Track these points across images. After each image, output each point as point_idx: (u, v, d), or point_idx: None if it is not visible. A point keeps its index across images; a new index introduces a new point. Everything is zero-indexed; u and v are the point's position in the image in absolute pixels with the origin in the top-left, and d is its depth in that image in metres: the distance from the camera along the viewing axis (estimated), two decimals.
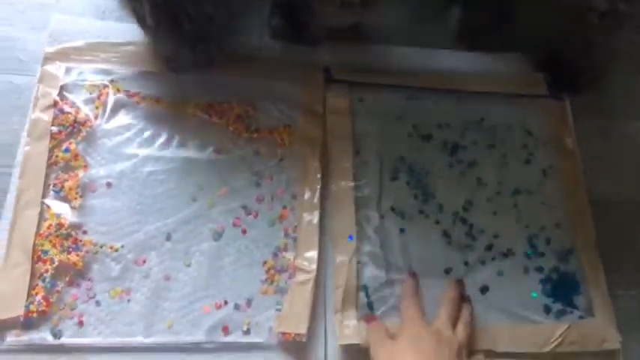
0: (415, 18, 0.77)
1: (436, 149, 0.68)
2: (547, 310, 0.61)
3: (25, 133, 0.59)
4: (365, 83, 0.69)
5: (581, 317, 0.61)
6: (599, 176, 0.70)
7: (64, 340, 0.52)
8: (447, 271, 0.62)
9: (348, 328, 0.56)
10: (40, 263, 0.54)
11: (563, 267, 0.64)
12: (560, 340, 0.59)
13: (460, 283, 0.60)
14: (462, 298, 0.59)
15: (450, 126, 0.70)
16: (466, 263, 0.62)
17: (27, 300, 0.52)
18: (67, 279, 0.54)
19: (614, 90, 0.77)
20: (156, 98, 0.63)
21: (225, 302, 0.56)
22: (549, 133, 0.71)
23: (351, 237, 0.60)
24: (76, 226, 0.56)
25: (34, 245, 0.54)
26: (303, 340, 0.54)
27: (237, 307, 0.56)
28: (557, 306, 0.62)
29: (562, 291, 0.63)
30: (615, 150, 0.73)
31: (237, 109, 0.64)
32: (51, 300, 0.53)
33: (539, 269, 0.63)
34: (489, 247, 0.64)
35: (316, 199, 0.61)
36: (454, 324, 0.55)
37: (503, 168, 0.68)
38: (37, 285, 0.53)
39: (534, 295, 0.62)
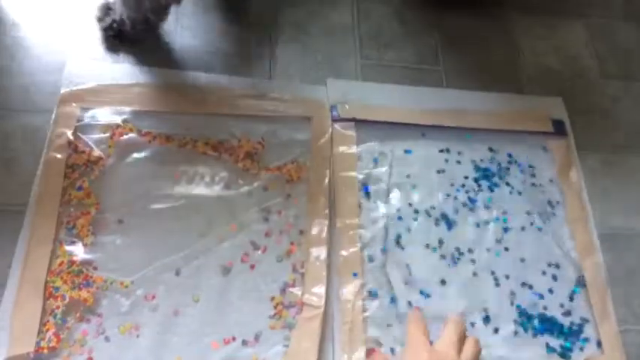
0: (415, 57, 0.79)
1: (445, 185, 0.69)
2: (555, 347, 0.61)
3: (39, 172, 0.60)
4: (372, 121, 0.70)
5: (589, 353, 0.61)
6: (607, 210, 0.71)
7: None
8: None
9: None
10: (51, 300, 0.54)
11: (570, 304, 0.64)
12: None
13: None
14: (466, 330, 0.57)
15: (458, 163, 0.71)
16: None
17: (38, 336, 0.52)
18: (78, 315, 0.55)
19: (619, 124, 0.78)
20: (166, 137, 0.65)
21: (234, 338, 0.56)
22: (554, 168, 0.72)
23: (355, 274, 0.61)
24: (87, 263, 0.57)
25: (46, 282, 0.55)
26: None
27: (245, 342, 0.56)
28: (565, 343, 0.61)
29: (569, 329, 0.62)
30: (623, 183, 0.74)
31: (246, 146, 0.66)
32: (61, 336, 0.53)
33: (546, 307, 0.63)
34: (497, 284, 0.63)
35: (324, 235, 0.62)
36: (460, 347, 0.53)
37: (510, 205, 0.69)
38: (47, 321, 0.53)
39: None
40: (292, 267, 0.61)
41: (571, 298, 0.64)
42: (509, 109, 0.76)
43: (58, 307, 0.54)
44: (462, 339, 0.53)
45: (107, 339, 0.54)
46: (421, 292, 0.62)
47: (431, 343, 0.52)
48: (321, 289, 0.59)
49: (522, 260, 0.65)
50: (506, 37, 0.83)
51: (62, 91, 0.65)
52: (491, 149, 0.72)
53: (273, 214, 0.63)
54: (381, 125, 0.70)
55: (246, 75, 0.72)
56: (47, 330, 0.53)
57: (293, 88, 0.72)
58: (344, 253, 0.62)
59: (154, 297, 0.57)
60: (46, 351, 0.52)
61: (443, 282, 0.63)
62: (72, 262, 0.56)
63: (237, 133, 0.67)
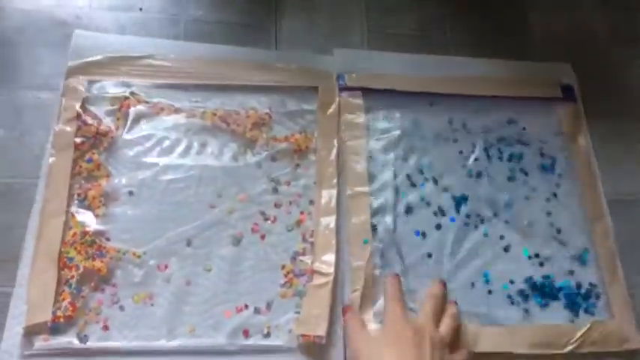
0: (424, 26, 0.78)
1: (453, 155, 0.69)
2: (567, 310, 0.62)
3: (49, 145, 0.61)
4: (379, 90, 0.70)
5: (599, 317, 0.62)
6: (616, 176, 0.71)
7: (90, 344, 0.53)
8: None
9: None
10: (65, 270, 0.55)
11: (579, 269, 0.64)
12: (581, 340, 0.59)
13: (442, 282, 0.59)
14: (446, 298, 0.59)
15: (467, 131, 0.70)
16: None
17: (54, 306, 0.53)
18: (92, 285, 0.55)
19: (629, 90, 0.78)
20: (175, 108, 0.65)
21: (246, 306, 0.57)
22: (563, 135, 0.72)
23: (366, 240, 0.61)
24: (99, 234, 0.57)
25: (60, 253, 0.55)
26: (323, 341, 0.55)
27: (257, 310, 0.57)
28: (574, 307, 0.62)
29: (578, 294, 0.63)
30: (632, 150, 0.73)
31: (253, 117, 0.66)
32: (77, 305, 0.54)
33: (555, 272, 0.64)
34: (507, 249, 0.64)
35: (333, 204, 0.62)
36: (438, 319, 0.55)
37: (519, 171, 0.69)
38: (63, 291, 0.54)
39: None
40: (302, 236, 0.61)
41: (580, 264, 0.64)
42: (517, 75, 0.75)
43: (72, 277, 0.55)
44: (439, 312, 0.55)
45: (122, 308, 0.55)
46: (429, 256, 0.62)
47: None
48: (330, 257, 0.59)
49: (530, 225, 0.65)
50: (515, 1, 0.82)
51: (69, 64, 0.65)
52: (500, 117, 0.72)
53: (282, 184, 0.64)
54: (388, 94, 0.70)
55: (251, 46, 0.71)
56: (63, 299, 0.54)
57: (299, 58, 0.71)
58: (354, 220, 0.62)
59: (166, 267, 0.57)
60: (62, 320, 0.53)
61: (452, 247, 0.63)
62: (85, 233, 0.57)
63: (244, 105, 0.67)
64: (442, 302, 0.57)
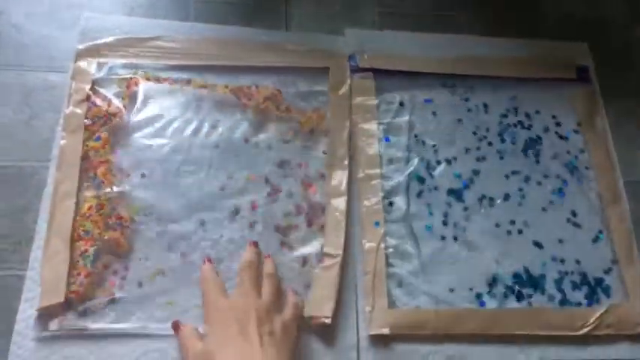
0: (436, 5, 0.77)
1: (467, 136, 0.68)
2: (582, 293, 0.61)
3: (59, 128, 0.60)
4: (391, 71, 0.69)
5: (615, 300, 0.61)
6: (632, 158, 0.70)
7: (104, 325, 0.53)
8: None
9: (378, 317, 0.56)
10: (81, 242, 0.55)
11: (594, 251, 0.63)
12: (596, 323, 0.58)
13: (254, 244, 0.58)
14: (261, 257, 0.57)
15: (482, 113, 0.70)
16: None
17: (68, 281, 0.53)
18: (108, 264, 0.55)
19: None
20: (186, 81, 0.65)
21: None
22: (579, 116, 0.71)
23: (377, 222, 0.60)
24: (114, 208, 0.57)
25: (74, 230, 0.55)
26: (328, 322, 0.55)
27: None
28: (590, 290, 0.61)
29: (594, 276, 0.62)
30: None
31: (265, 91, 0.65)
32: (93, 278, 0.54)
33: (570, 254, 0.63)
34: (520, 232, 0.63)
35: (344, 186, 0.62)
36: (257, 287, 0.53)
37: (533, 153, 0.68)
38: (78, 264, 0.54)
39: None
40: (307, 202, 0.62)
41: (595, 247, 0.63)
42: (532, 55, 0.74)
43: (86, 251, 0.55)
44: (256, 277, 0.54)
45: (137, 288, 0.55)
46: (442, 238, 0.62)
47: None
48: (340, 239, 0.59)
49: (545, 209, 0.65)
50: None
51: (78, 46, 0.65)
52: (514, 98, 0.71)
53: (294, 165, 0.63)
54: (400, 75, 0.69)
55: (262, 26, 0.71)
56: (78, 274, 0.54)
57: (310, 38, 0.71)
58: (366, 203, 0.62)
59: (179, 248, 0.57)
60: (78, 294, 0.53)
61: (465, 230, 0.62)
62: (101, 206, 0.57)
63: (255, 84, 0.66)
64: (256, 267, 0.55)
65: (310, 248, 0.59)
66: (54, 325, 0.52)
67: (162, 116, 0.63)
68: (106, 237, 0.56)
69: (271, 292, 0.53)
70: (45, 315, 0.52)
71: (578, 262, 0.62)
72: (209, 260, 0.57)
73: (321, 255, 0.59)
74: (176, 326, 0.53)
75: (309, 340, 0.55)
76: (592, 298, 0.61)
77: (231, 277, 0.56)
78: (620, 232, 0.64)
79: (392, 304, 0.57)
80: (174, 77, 0.65)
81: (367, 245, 0.59)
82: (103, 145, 0.60)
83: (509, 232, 0.63)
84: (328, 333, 0.55)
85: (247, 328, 0.49)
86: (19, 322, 0.52)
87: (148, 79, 0.64)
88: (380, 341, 0.56)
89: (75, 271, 0.54)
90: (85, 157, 0.59)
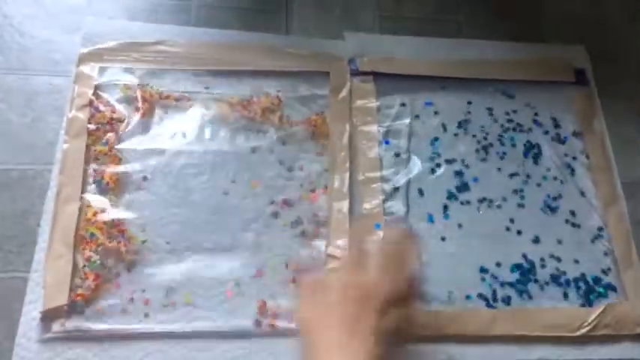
0: (436, 9, 0.77)
1: (467, 139, 0.68)
2: (580, 293, 0.61)
3: (62, 132, 0.61)
4: (391, 74, 0.70)
5: (613, 300, 0.61)
6: (630, 159, 0.70)
7: (107, 327, 0.53)
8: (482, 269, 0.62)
9: None
10: (87, 249, 0.56)
11: (592, 252, 0.64)
12: (594, 323, 0.59)
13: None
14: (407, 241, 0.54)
15: (481, 115, 0.70)
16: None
17: (75, 285, 0.54)
18: (111, 267, 0.56)
19: None
20: (187, 97, 0.65)
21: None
22: (578, 118, 0.71)
23: (378, 225, 0.61)
24: (116, 219, 0.58)
25: (77, 235, 0.56)
26: None
27: (272, 294, 0.57)
28: (587, 291, 0.62)
29: (591, 277, 0.63)
30: None
31: (264, 102, 0.66)
32: (100, 281, 0.55)
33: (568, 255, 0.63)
34: (519, 233, 0.64)
35: (345, 188, 0.62)
36: (391, 270, 0.48)
37: (532, 155, 0.68)
38: (84, 269, 0.55)
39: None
40: (313, 214, 0.62)
41: (594, 247, 0.64)
42: (531, 58, 0.74)
43: (90, 258, 0.55)
44: (392, 262, 0.49)
45: (140, 291, 0.55)
46: (442, 239, 0.62)
47: None
48: (344, 242, 0.59)
49: (544, 211, 0.65)
50: None
51: (81, 50, 0.65)
52: (513, 101, 0.72)
53: (295, 169, 0.63)
54: (400, 78, 0.70)
55: (262, 31, 0.71)
56: (86, 278, 0.54)
57: (310, 42, 0.71)
58: (367, 205, 0.62)
59: (181, 252, 0.58)
60: (84, 297, 0.53)
61: (465, 231, 0.63)
62: (104, 216, 0.57)
63: (255, 90, 0.67)
64: (397, 251, 0.50)
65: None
66: (57, 327, 0.52)
67: (166, 122, 0.64)
68: (109, 245, 0.56)
69: (400, 280, 0.48)
70: (48, 317, 0.53)
71: (576, 262, 0.63)
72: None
73: (326, 256, 0.59)
74: (297, 277, 0.54)
75: None
76: (590, 299, 0.61)
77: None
78: (619, 232, 0.65)
79: None
80: (175, 95, 0.65)
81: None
82: (110, 149, 0.61)
83: (508, 233, 0.63)
84: None
85: (364, 310, 0.44)
86: (23, 324, 0.52)
87: (151, 96, 0.64)
88: None
89: (81, 275, 0.55)
90: (89, 162, 0.60)
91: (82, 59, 0.65)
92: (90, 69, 0.64)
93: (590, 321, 0.59)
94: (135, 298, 0.55)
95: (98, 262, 0.55)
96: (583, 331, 0.59)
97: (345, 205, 0.61)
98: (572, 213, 0.65)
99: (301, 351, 0.46)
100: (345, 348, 0.43)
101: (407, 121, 0.68)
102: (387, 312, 0.45)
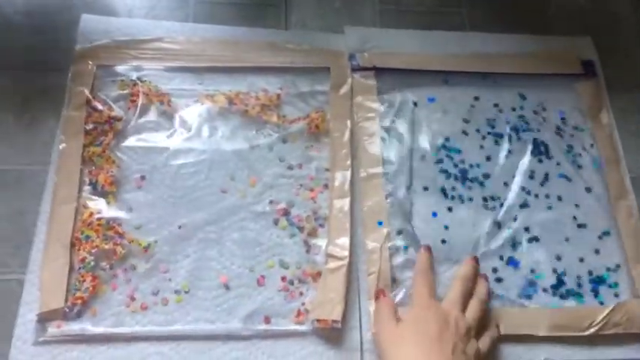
0: (438, 1, 0.76)
1: (471, 133, 0.67)
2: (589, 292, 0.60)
3: (59, 131, 0.60)
4: (393, 69, 0.68)
5: (623, 298, 0.60)
6: (639, 152, 0.68)
7: (104, 329, 0.52)
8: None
9: None
10: (82, 250, 0.55)
11: (601, 248, 0.62)
12: (604, 322, 0.57)
13: (475, 259, 0.58)
14: (477, 276, 0.57)
15: (486, 110, 0.69)
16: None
17: (73, 288, 0.53)
18: (107, 269, 0.55)
19: None
20: (186, 95, 0.64)
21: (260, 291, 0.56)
22: (586, 110, 0.70)
23: (380, 223, 0.60)
24: (112, 220, 0.57)
25: (73, 236, 0.55)
26: (339, 326, 0.54)
27: (270, 295, 0.56)
28: (597, 288, 0.60)
29: (601, 274, 0.61)
30: None
31: (263, 99, 0.65)
32: (98, 282, 0.54)
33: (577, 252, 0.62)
34: (527, 229, 0.62)
35: (347, 186, 0.61)
36: (466, 303, 0.53)
37: (538, 150, 0.67)
38: (81, 271, 0.54)
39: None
40: (313, 213, 0.61)
41: (603, 244, 0.62)
42: (536, 50, 0.73)
43: (85, 259, 0.54)
44: (467, 294, 0.54)
45: (135, 293, 0.55)
46: (443, 242, 0.61)
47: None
48: (345, 240, 0.58)
49: (550, 207, 0.64)
50: None
51: (77, 48, 0.64)
52: (518, 94, 0.70)
53: (295, 167, 0.62)
54: (402, 73, 0.68)
55: (261, 26, 0.70)
56: (83, 280, 0.54)
57: (310, 37, 0.70)
58: (369, 202, 0.61)
59: (179, 253, 0.57)
60: (82, 301, 0.53)
61: (470, 230, 0.61)
62: (100, 217, 0.57)
63: (254, 86, 0.66)
64: (471, 284, 0.55)
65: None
66: (53, 329, 0.52)
67: (163, 120, 0.63)
68: (105, 246, 0.55)
69: (476, 315, 0.53)
70: (45, 319, 0.52)
71: (584, 259, 0.61)
72: (428, 249, 0.58)
73: (326, 255, 0.58)
74: (380, 293, 0.54)
75: (312, 340, 0.54)
76: (599, 297, 0.60)
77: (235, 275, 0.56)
78: (628, 228, 0.63)
79: (396, 304, 0.56)
80: (172, 94, 0.64)
81: (370, 245, 0.59)
82: (104, 150, 0.60)
83: (513, 231, 0.62)
84: (332, 334, 0.55)
85: (445, 334, 0.49)
86: (19, 327, 0.52)
87: (149, 90, 0.63)
88: None
89: (79, 276, 0.54)
90: (87, 163, 0.59)
91: (78, 57, 0.64)
92: (86, 67, 0.63)
93: (599, 320, 0.57)
94: (132, 299, 0.54)
95: (92, 263, 0.54)
96: (592, 330, 0.57)
97: (346, 203, 0.60)
98: (580, 209, 0.64)
99: None
100: None
101: (409, 116, 0.66)
102: (467, 340, 0.50)
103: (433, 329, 0.49)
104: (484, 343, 0.52)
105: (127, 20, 0.68)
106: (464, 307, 0.53)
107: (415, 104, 0.68)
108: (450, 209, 0.62)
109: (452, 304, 0.52)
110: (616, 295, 0.60)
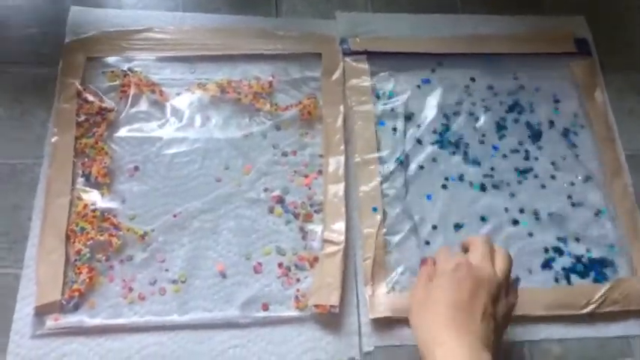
0: None
1: (465, 114, 0.67)
2: (586, 271, 0.60)
3: (51, 124, 0.60)
4: (385, 53, 0.68)
5: (621, 275, 0.60)
6: (634, 130, 0.68)
7: (101, 321, 0.53)
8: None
9: (379, 302, 0.56)
10: (77, 243, 0.55)
11: (597, 227, 0.62)
12: (601, 300, 0.57)
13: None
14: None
15: (478, 92, 0.68)
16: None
17: (70, 280, 0.53)
18: (103, 260, 0.55)
19: None
20: (177, 84, 0.64)
21: (257, 278, 0.56)
22: (580, 89, 0.69)
23: (375, 208, 0.60)
24: (107, 211, 0.57)
25: (68, 228, 0.55)
26: (336, 310, 0.54)
27: (268, 281, 0.56)
28: (595, 266, 0.60)
29: (599, 253, 0.61)
30: None
31: (255, 86, 0.64)
32: (92, 277, 0.54)
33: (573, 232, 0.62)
34: (522, 211, 0.62)
35: (341, 171, 0.61)
36: (492, 259, 0.49)
37: (532, 131, 0.66)
38: (77, 264, 0.54)
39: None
40: (308, 199, 0.60)
41: (599, 223, 0.62)
42: (529, 31, 0.72)
43: (80, 250, 0.54)
44: (492, 251, 0.50)
45: (132, 284, 0.55)
46: (433, 228, 0.60)
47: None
48: (340, 226, 0.58)
49: (543, 187, 0.64)
50: None
51: (67, 41, 0.64)
52: (512, 75, 0.70)
53: (289, 154, 0.62)
54: (394, 56, 0.68)
55: (251, 14, 0.70)
56: (80, 272, 0.54)
57: (301, 24, 0.70)
58: (364, 188, 0.61)
59: (175, 242, 0.57)
60: (80, 293, 0.53)
61: (465, 212, 0.61)
62: (95, 209, 0.56)
63: (246, 74, 0.66)
64: (491, 244, 0.51)
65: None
66: (51, 322, 0.52)
67: (155, 109, 0.63)
68: (101, 238, 0.55)
69: (505, 269, 0.49)
70: (42, 313, 0.52)
71: (580, 239, 0.61)
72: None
73: (322, 241, 0.58)
74: (424, 262, 0.51)
75: (310, 326, 0.55)
76: (597, 275, 0.60)
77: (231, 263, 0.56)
78: (624, 206, 0.63)
79: (392, 288, 0.56)
80: (163, 83, 0.64)
81: (366, 231, 0.59)
82: (97, 142, 0.60)
83: (508, 211, 0.62)
84: (330, 319, 0.55)
85: (476, 295, 0.46)
86: (17, 321, 0.52)
87: (140, 80, 0.63)
88: (381, 326, 0.55)
89: (75, 269, 0.54)
90: (79, 155, 0.59)
91: (68, 50, 0.63)
92: (77, 59, 0.63)
93: (596, 298, 0.57)
94: (130, 290, 0.54)
95: (88, 255, 0.54)
96: (590, 308, 0.57)
97: (341, 188, 0.60)
98: (575, 189, 0.64)
99: (413, 330, 0.47)
100: (459, 328, 0.44)
101: (403, 99, 0.66)
102: (498, 299, 0.47)
103: (466, 289, 0.46)
104: (511, 299, 0.49)
105: (117, 11, 0.67)
106: (493, 262, 0.49)
107: (408, 87, 0.67)
108: (444, 192, 0.62)
109: (483, 260, 0.48)
110: (613, 273, 0.60)
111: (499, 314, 0.47)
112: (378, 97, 0.66)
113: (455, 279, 0.47)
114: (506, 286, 0.49)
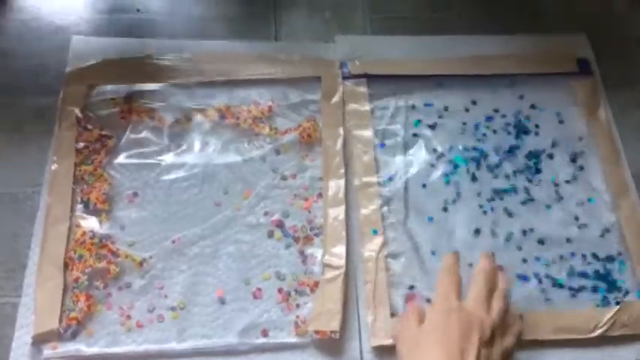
0: (426, 6, 0.75)
1: (467, 138, 0.66)
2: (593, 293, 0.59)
3: (51, 152, 0.60)
4: (385, 76, 0.68)
5: (629, 296, 0.58)
6: (639, 148, 0.67)
7: (99, 349, 0.52)
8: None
9: (380, 327, 0.55)
10: (75, 270, 0.54)
11: (605, 247, 0.61)
12: (610, 323, 0.56)
13: (491, 255, 0.53)
14: (496, 269, 0.52)
15: (479, 112, 0.68)
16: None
17: (67, 309, 0.53)
18: (101, 287, 0.55)
19: None
20: (176, 111, 0.64)
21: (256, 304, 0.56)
22: (583, 109, 0.69)
23: (375, 231, 0.59)
24: (105, 238, 0.57)
25: (66, 257, 0.55)
26: (337, 336, 0.53)
27: (267, 308, 0.56)
28: (603, 287, 0.59)
29: (606, 272, 0.60)
30: None
31: (255, 111, 0.64)
32: (90, 304, 0.53)
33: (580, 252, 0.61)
34: (524, 233, 0.61)
35: (341, 194, 0.60)
36: (489, 300, 0.49)
37: (536, 151, 0.66)
38: (75, 291, 0.54)
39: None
40: (308, 223, 0.60)
41: (606, 243, 0.61)
42: (530, 50, 0.72)
43: (79, 279, 0.54)
44: (491, 291, 0.50)
45: (130, 312, 0.54)
46: (438, 250, 0.60)
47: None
48: (341, 249, 0.57)
49: (549, 206, 0.63)
50: None
51: (68, 69, 0.65)
52: (515, 95, 0.69)
53: (288, 177, 0.62)
54: (394, 79, 0.68)
55: (251, 39, 0.70)
56: (77, 301, 0.53)
57: (300, 48, 0.70)
58: (364, 211, 0.60)
59: (173, 269, 0.56)
60: (76, 321, 0.52)
61: (467, 231, 0.61)
62: (93, 236, 0.56)
63: (246, 100, 0.66)
64: (493, 277, 0.51)
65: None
66: (49, 351, 0.51)
67: (155, 135, 0.63)
68: (99, 265, 0.55)
69: (501, 310, 0.48)
70: (40, 341, 0.51)
71: (587, 259, 0.60)
72: (456, 253, 0.54)
73: (322, 265, 0.57)
74: (411, 298, 0.52)
75: (311, 352, 0.54)
76: (604, 298, 0.58)
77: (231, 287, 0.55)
78: (631, 225, 0.62)
79: (394, 313, 0.55)
80: (162, 109, 0.64)
81: (366, 254, 0.58)
82: (96, 168, 0.60)
83: (513, 233, 0.61)
84: (330, 345, 0.54)
85: (468, 341, 0.45)
86: (15, 350, 0.51)
87: (139, 107, 0.63)
88: (384, 352, 0.54)
89: (73, 297, 0.54)
90: (79, 183, 0.59)
91: (69, 78, 0.64)
92: (78, 88, 0.64)
93: (605, 321, 0.56)
94: (127, 318, 0.54)
95: (86, 282, 0.54)
96: (598, 332, 0.55)
97: (341, 211, 0.60)
98: (581, 208, 0.63)
99: None
100: None
101: (403, 123, 0.66)
102: (493, 341, 0.46)
103: (456, 336, 0.45)
104: (509, 340, 0.49)
105: (117, 40, 0.68)
106: (488, 305, 0.49)
107: (409, 109, 0.67)
108: (445, 213, 0.62)
109: (476, 304, 0.48)
110: (622, 293, 0.59)
111: (495, 357, 0.46)
112: (377, 120, 0.66)
113: (446, 325, 0.46)
114: (503, 327, 0.48)
